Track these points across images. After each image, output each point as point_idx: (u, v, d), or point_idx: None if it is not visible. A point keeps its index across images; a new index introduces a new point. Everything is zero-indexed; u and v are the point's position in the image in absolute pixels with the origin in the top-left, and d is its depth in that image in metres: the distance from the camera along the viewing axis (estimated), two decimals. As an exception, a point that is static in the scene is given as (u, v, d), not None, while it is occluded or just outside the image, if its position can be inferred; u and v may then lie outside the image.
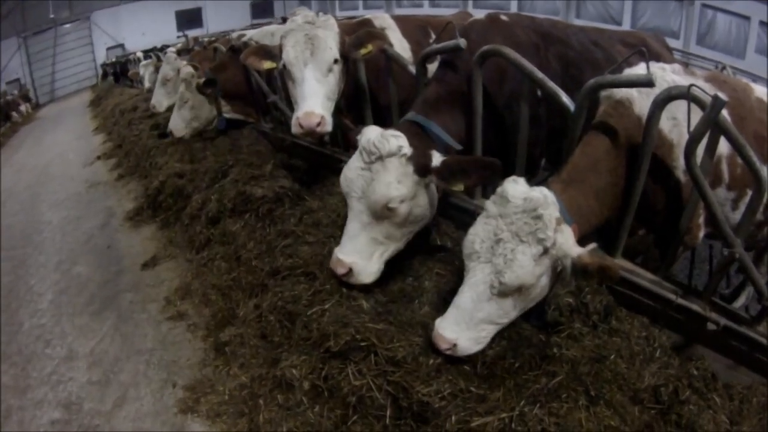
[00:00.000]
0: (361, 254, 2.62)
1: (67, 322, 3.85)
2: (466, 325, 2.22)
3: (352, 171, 2.59)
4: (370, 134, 2.56)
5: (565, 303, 2.59)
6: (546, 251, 2.13)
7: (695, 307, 2.52)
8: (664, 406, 2.21)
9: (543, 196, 2.18)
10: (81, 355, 3.42)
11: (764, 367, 2.46)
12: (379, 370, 2.29)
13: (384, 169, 2.51)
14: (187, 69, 6.05)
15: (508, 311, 2.24)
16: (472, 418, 2.05)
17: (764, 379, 2.46)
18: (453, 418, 2.05)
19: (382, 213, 2.56)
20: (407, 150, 2.54)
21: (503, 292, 2.16)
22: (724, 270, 2.62)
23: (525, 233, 2.12)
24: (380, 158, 2.51)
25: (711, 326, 2.48)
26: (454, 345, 2.23)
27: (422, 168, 2.60)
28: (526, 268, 2.12)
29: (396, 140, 2.52)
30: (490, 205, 2.25)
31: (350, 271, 2.61)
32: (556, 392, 2.15)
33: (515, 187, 2.22)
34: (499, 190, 2.25)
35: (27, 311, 4.14)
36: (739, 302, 3.33)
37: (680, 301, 2.54)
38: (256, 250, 3.55)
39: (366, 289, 2.78)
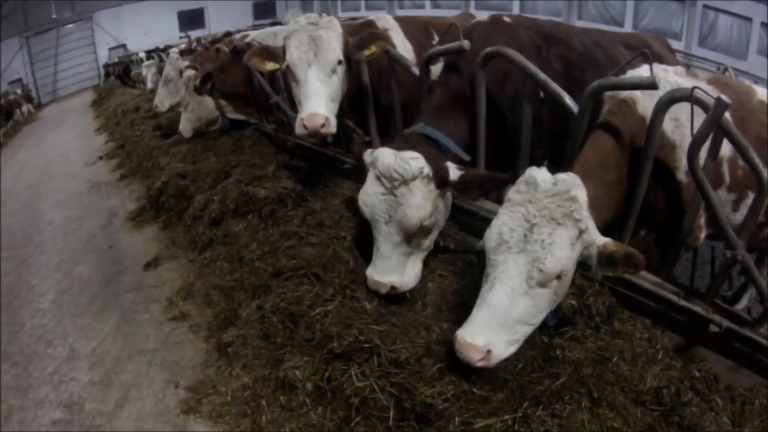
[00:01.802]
0: (397, 270, 2.65)
1: (69, 322, 3.85)
2: (500, 327, 2.02)
3: (373, 197, 2.58)
4: (387, 159, 2.54)
5: (568, 305, 2.59)
6: (581, 234, 2.05)
7: (697, 308, 2.52)
8: (667, 407, 2.21)
9: (573, 177, 2.14)
10: (83, 355, 3.42)
11: (766, 368, 2.46)
12: (382, 372, 2.29)
13: (410, 193, 2.53)
14: (187, 73, 6.14)
15: (541, 308, 2.09)
16: (475, 419, 2.05)
17: (766, 381, 2.46)
18: (456, 419, 2.06)
19: (415, 232, 2.60)
20: (428, 170, 2.56)
21: (542, 281, 2.02)
22: (727, 272, 2.63)
23: (561, 215, 2.02)
24: (404, 183, 2.52)
25: (713, 328, 2.48)
26: (488, 352, 2.01)
27: (441, 182, 2.65)
28: (566, 251, 2.01)
29: (416, 162, 2.53)
30: (514, 194, 2.15)
31: (392, 288, 2.62)
32: (559, 394, 2.15)
33: (541, 172, 2.15)
34: (522, 179, 2.18)
35: (28, 311, 4.14)
36: (741, 304, 3.32)
37: (682, 302, 2.54)
38: (259, 251, 3.55)
39: (369, 291, 2.79)
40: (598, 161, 2.45)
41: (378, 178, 2.57)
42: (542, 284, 2.03)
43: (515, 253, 2.04)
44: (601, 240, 2.12)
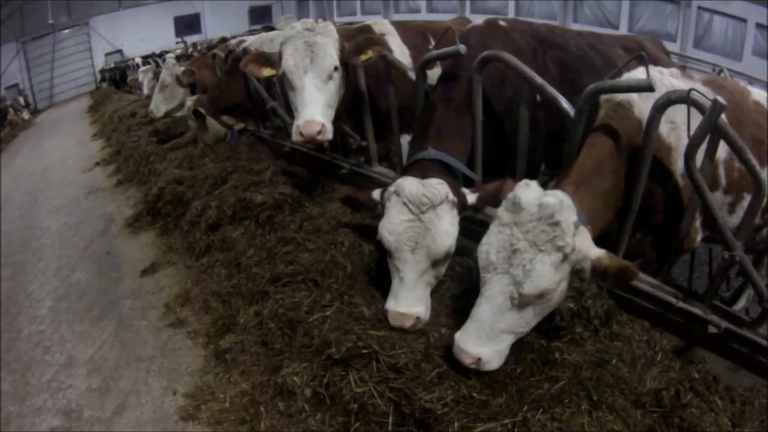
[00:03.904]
0: (421, 300, 2.61)
1: (67, 328, 3.84)
2: (487, 338, 2.15)
3: (400, 225, 2.55)
4: (414, 186, 2.55)
5: (566, 308, 2.59)
6: (565, 258, 2.08)
7: (696, 310, 2.53)
8: (666, 409, 2.21)
9: (558, 200, 2.11)
10: (80, 362, 3.40)
11: (765, 369, 2.47)
12: (381, 377, 2.29)
13: (438, 218, 2.54)
14: (187, 103, 6.35)
15: (528, 320, 2.20)
16: (474, 424, 2.05)
17: (765, 381, 2.47)
18: (456, 424, 2.05)
19: (441, 258, 2.59)
20: (452, 196, 2.58)
21: (523, 303, 2.11)
22: (725, 273, 2.63)
23: (543, 242, 2.06)
24: (432, 208, 2.53)
25: (712, 329, 2.48)
26: (479, 359, 2.16)
27: (461, 207, 2.67)
28: (546, 277, 2.06)
29: (442, 188, 2.55)
30: (503, 212, 2.19)
31: (417, 319, 2.58)
32: (559, 397, 2.15)
33: (528, 193, 2.15)
34: (510, 196, 2.19)
35: (26, 318, 4.12)
36: (740, 305, 3.32)
37: (681, 304, 2.55)
38: (257, 256, 3.55)
39: (367, 296, 2.78)
40: (594, 168, 2.45)
41: (405, 204, 2.55)
42: (524, 305, 2.12)
43: (500, 273, 2.13)
44: (595, 254, 2.12)
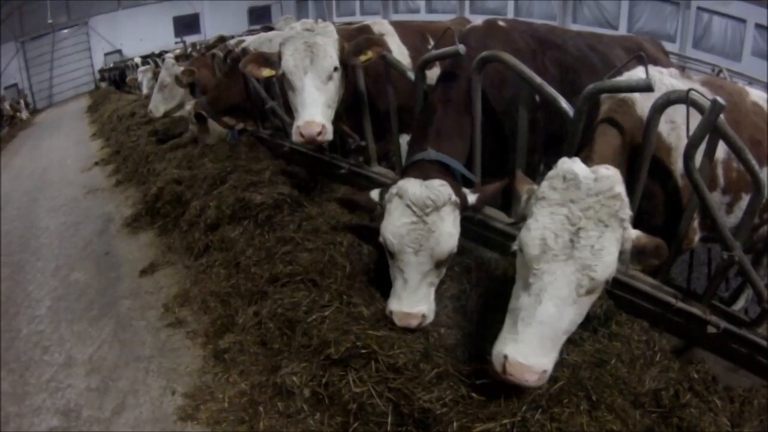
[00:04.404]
0: (425, 300, 2.61)
1: (66, 328, 3.84)
2: (552, 344, 1.89)
3: (403, 227, 2.54)
4: (417, 188, 2.55)
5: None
6: (623, 233, 1.92)
7: (695, 310, 2.53)
8: (665, 409, 2.22)
9: (614, 172, 1.95)
10: (79, 362, 3.40)
11: (764, 369, 2.47)
12: (380, 377, 2.29)
13: (441, 220, 2.54)
14: (187, 107, 6.28)
15: (583, 315, 1.98)
16: (473, 424, 2.05)
17: (765, 381, 2.47)
18: (455, 424, 2.05)
19: (444, 260, 2.60)
20: (455, 197, 2.58)
21: (592, 289, 1.88)
22: (724, 273, 2.63)
23: (607, 216, 1.87)
24: (436, 209, 2.52)
25: (711, 329, 2.48)
26: (544, 371, 1.89)
27: (463, 208, 2.67)
28: (614, 255, 1.87)
29: (445, 189, 2.55)
30: (550, 192, 1.96)
31: (423, 317, 2.58)
32: (558, 397, 2.15)
33: (580, 166, 1.96)
34: (556, 173, 1.98)
35: (25, 317, 4.12)
36: (739, 305, 3.32)
37: (680, 304, 2.55)
38: (255, 256, 3.54)
39: (366, 296, 2.78)
40: (609, 156, 2.35)
41: (408, 207, 2.54)
42: (591, 292, 1.91)
43: (562, 261, 1.87)
44: (634, 233, 1.98)
